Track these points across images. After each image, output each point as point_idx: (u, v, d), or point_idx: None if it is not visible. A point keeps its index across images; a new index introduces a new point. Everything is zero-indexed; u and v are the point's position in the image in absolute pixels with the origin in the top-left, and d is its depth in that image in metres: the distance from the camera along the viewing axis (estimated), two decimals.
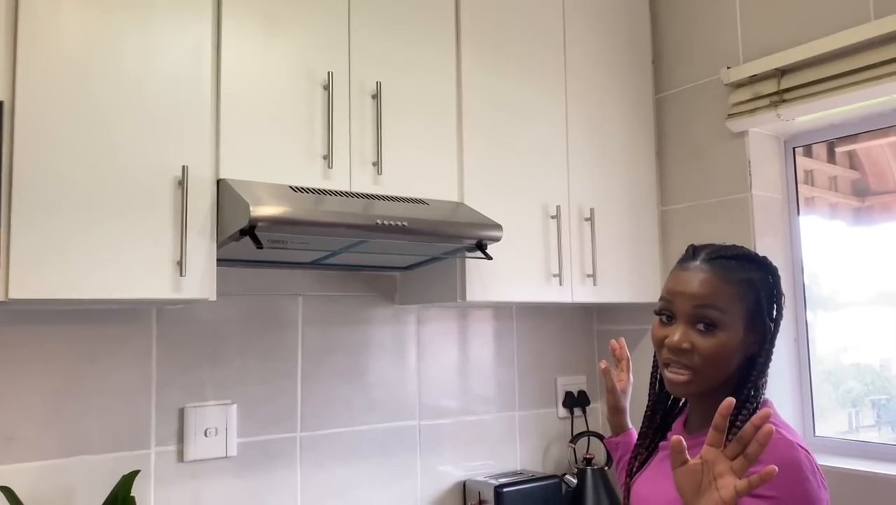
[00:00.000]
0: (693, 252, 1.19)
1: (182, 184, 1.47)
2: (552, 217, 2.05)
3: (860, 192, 2.21)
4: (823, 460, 1.95)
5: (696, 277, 1.14)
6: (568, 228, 2.08)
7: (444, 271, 1.92)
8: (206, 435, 1.76)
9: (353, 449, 1.99)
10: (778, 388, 2.08)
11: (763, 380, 1.15)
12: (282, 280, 1.93)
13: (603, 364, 1.47)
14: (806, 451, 1.07)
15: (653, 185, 2.34)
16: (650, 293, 2.29)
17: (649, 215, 2.32)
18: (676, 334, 1.13)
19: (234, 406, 1.82)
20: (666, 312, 1.17)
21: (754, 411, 1.10)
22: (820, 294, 2.19)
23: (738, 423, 1.10)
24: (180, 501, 1.73)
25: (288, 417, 1.90)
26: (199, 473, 1.76)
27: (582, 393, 2.48)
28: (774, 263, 1.21)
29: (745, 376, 1.15)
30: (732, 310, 1.13)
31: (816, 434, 2.10)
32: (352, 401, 2.01)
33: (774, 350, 1.17)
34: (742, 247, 1.21)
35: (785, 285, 2.12)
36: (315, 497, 1.91)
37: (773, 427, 0.91)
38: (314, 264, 1.89)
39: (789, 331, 2.14)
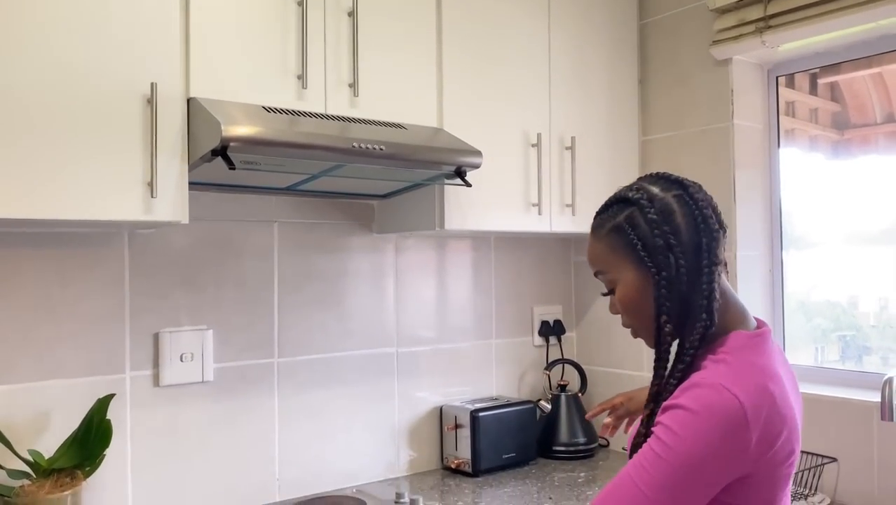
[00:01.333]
0: None
1: (151, 102, 1.42)
2: (532, 145, 2.02)
3: (840, 124, 2.20)
4: None
5: (587, 248, 1.16)
6: (548, 157, 2.06)
7: (423, 199, 1.90)
8: (181, 360, 1.75)
9: (330, 375, 2.00)
10: None
11: (693, 310, 1.05)
12: (257, 206, 1.90)
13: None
14: (737, 397, 0.96)
15: (635, 114, 2.32)
16: None
17: (630, 145, 2.30)
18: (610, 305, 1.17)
19: (210, 332, 1.81)
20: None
21: (700, 340, 1.04)
22: (793, 233, 2.21)
23: (687, 346, 1.06)
24: (157, 425, 1.73)
25: (265, 344, 1.90)
26: (175, 398, 1.76)
27: (557, 322, 2.50)
28: (676, 185, 1.11)
29: (683, 311, 1.07)
30: (613, 263, 1.11)
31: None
32: (329, 328, 2.00)
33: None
34: (616, 192, 1.15)
35: (762, 215, 2.15)
36: (293, 421, 1.93)
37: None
38: (290, 190, 1.85)
39: (764, 262, 2.16)
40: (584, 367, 2.45)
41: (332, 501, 1.85)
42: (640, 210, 1.09)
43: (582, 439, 2.27)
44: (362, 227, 2.07)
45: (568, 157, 2.10)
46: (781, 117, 2.20)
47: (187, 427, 1.77)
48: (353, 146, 1.50)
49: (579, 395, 2.37)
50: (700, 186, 1.13)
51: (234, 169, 1.41)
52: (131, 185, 1.41)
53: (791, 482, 1.06)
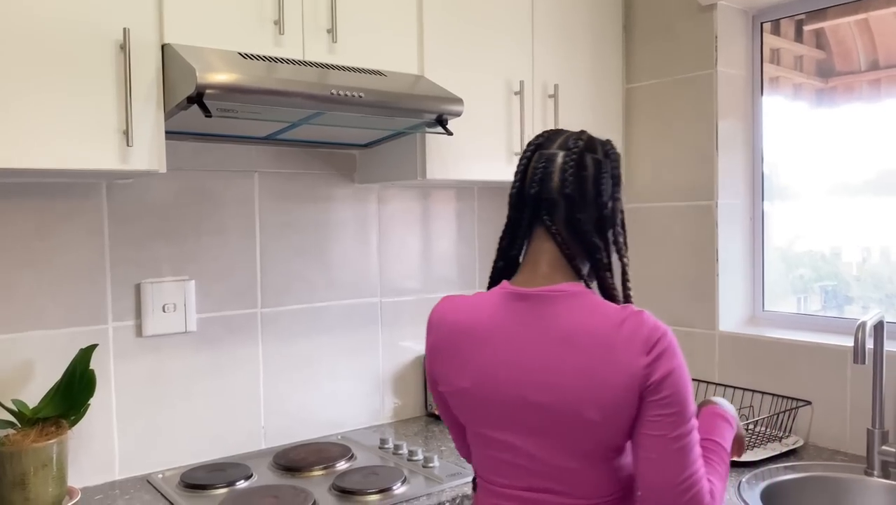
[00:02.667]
0: None
1: (124, 48, 1.39)
2: (515, 93, 2.00)
3: (825, 72, 2.19)
4: (771, 333, 2.03)
5: None
6: (531, 105, 2.04)
7: (404, 149, 1.88)
8: (164, 310, 1.75)
9: (314, 324, 2.01)
10: (732, 266, 2.13)
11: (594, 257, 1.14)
12: (236, 156, 1.88)
13: None
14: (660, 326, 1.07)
15: (619, 61, 2.29)
16: None
17: (614, 93, 2.28)
18: None
19: (192, 282, 1.81)
20: None
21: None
22: (777, 183, 2.21)
23: None
24: (141, 375, 1.74)
25: (247, 294, 1.90)
26: (159, 348, 1.77)
27: None
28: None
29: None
30: None
31: (765, 309, 2.17)
32: (312, 278, 2.01)
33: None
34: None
35: (743, 164, 2.15)
36: (277, 370, 1.95)
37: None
38: (269, 139, 1.83)
39: (745, 211, 2.17)
40: None
41: (318, 448, 1.88)
42: (523, 157, 1.20)
43: None
44: (344, 178, 2.06)
45: (551, 105, 2.08)
46: (766, 65, 2.19)
47: (172, 377, 1.79)
48: (332, 93, 1.48)
49: None
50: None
51: (210, 117, 1.39)
52: (106, 133, 1.39)
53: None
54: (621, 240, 1.15)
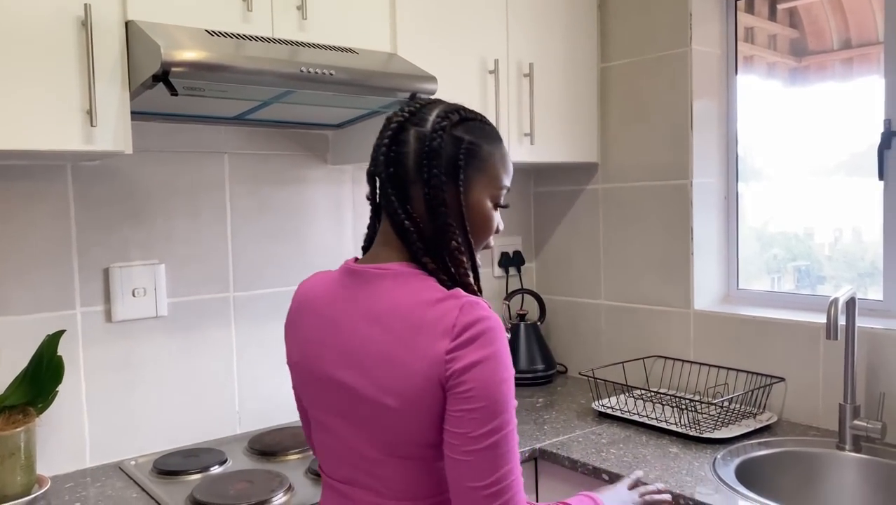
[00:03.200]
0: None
1: (85, 25, 1.34)
2: (490, 72, 1.98)
3: (798, 51, 2.19)
4: (745, 311, 2.04)
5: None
6: (506, 84, 2.02)
7: (377, 129, 1.85)
8: (134, 295, 1.72)
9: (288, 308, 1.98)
10: (706, 245, 2.14)
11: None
12: (206, 137, 1.84)
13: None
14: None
15: (594, 40, 2.28)
16: (588, 153, 2.29)
17: (588, 72, 2.27)
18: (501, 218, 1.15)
19: (162, 266, 1.77)
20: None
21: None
22: (751, 165, 2.22)
23: None
24: (111, 361, 1.71)
25: (220, 278, 1.87)
26: (129, 333, 1.73)
27: (517, 253, 2.51)
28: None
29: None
30: None
31: (739, 287, 2.19)
32: (286, 261, 1.98)
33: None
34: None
35: (718, 143, 2.15)
36: (252, 354, 1.92)
37: None
38: (239, 119, 1.80)
39: (720, 190, 2.18)
40: (543, 296, 2.47)
41: (293, 432, 1.86)
42: None
43: (541, 366, 2.31)
44: (317, 159, 2.03)
45: (526, 84, 2.07)
46: (740, 44, 2.19)
47: (143, 362, 1.76)
48: (302, 71, 1.45)
49: (538, 323, 2.40)
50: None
51: (176, 95, 1.36)
52: (69, 113, 1.35)
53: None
54: (452, 222, 1.03)
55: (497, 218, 1.11)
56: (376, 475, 1.02)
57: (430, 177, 1.02)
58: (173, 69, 1.32)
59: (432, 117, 1.05)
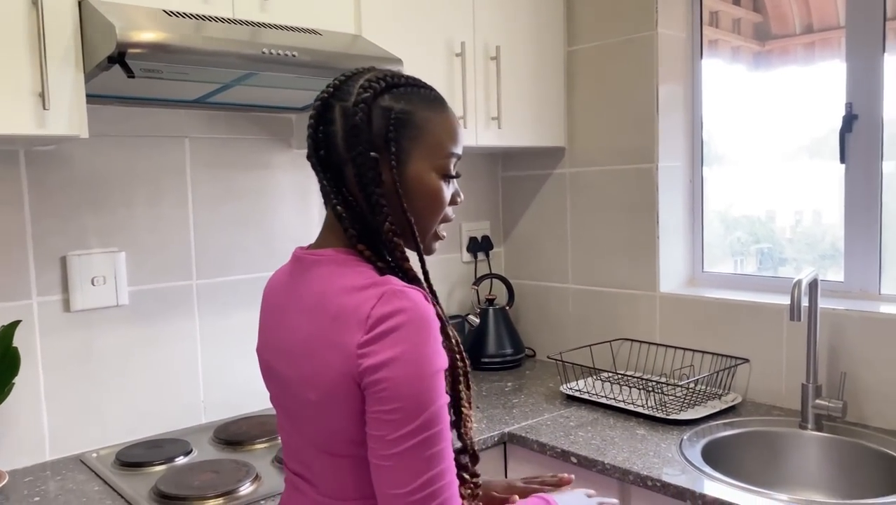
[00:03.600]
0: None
1: (36, 4, 1.29)
2: (457, 55, 1.96)
3: (761, 35, 2.21)
4: (710, 293, 2.07)
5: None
6: (473, 67, 2.01)
7: None
8: (93, 284, 1.68)
9: (254, 296, 1.95)
10: (672, 229, 2.16)
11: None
12: (166, 121, 1.79)
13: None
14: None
15: (560, 23, 2.27)
16: (555, 137, 2.28)
17: (555, 56, 2.26)
18: (460, 190, 1.05)
19: (122, 254, 1.73)
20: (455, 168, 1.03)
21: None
22: (715, 149, 2.23)
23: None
24: (71, 352, 1.67)
25: (182, 265, 1.83)
26: (89, 323, 1.69)
27: (486, 238, 2.51)
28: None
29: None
30: None
31: (704, 270, 2.21)
32: (251, 248, 1.95)
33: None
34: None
35: (683, 126, 2.16)
36: (216, 343, 1.89)
37: None
38: (200, 103, 1.75)
39: (685, 173, 2.19)
40: (511, 281, 2.47)
41: (260, 421, 1.84)
42: None
43: (509, 350, 2.31)
44: (281, 143, 1.99)
45: (493, 67, 2.05)
46: (705, 28, 2.19)
47: (104, 353, 1.71)
48: (264, 52, 1.41)
49: (507, 308, 2.40)
50: None
51: (133, 77, 1.32)
52: (20, 96, 1.30)
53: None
54: (385, 202, 0.95)
55: (449, 189, 1.01)
56: (312, 470, 0.98)
57: (356, 154, 0.94)
58: (130, 50, 1.28)
59: (356, 89, 0.96)
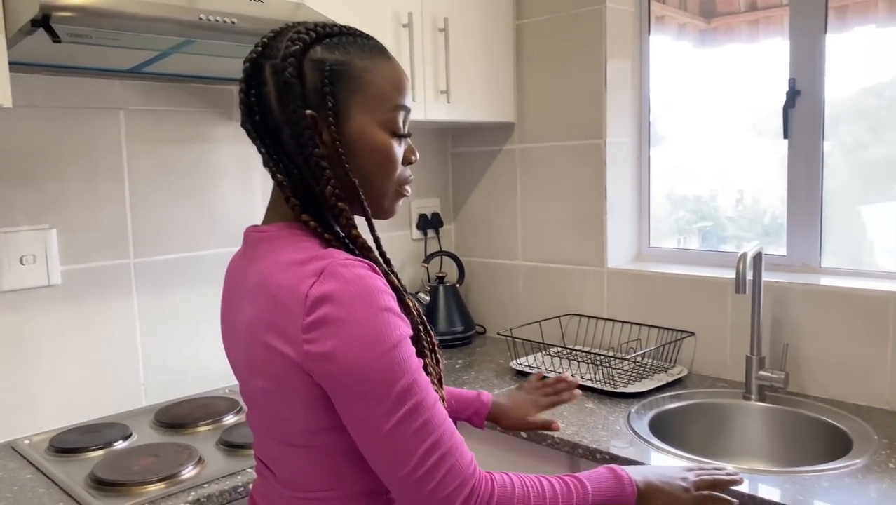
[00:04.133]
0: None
1: None
2: (403, 26, 1.91)
3: (707, 13, 2.22)
4: (656, 267, 2.08)
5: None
6: (421, 39, 1.96)
7: None
8: (22, 263, 1.59)
9: (195, 275, 1.89)
10: (620, 205, 2.16)
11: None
12: (98, 91, 1.71)
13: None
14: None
15: None
16: (504, 112, 2.26)
17: (504, 29, 2.23)
18: (414, 148, 0.97)
19: (53, 231, 1.64)
20: (405, 122, 0.95)
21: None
22: (661, 129, 2.24)
23: None
24: (0, 335, 1.59)
25: (118, 243, 1.75)
26: (18, 304, 1.61)
27: (436, 215, 2.48)
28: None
29: None
30: None
31: (651, 245, 2.23)
32: (191, 225, 1.88)
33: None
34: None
35: (631, 104, 2.17)
36: (156, 323, 1.82)
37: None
38: (135, 72, 1.67)
39: (632, 149, 2.20)
40: (461, 258, 2.45)
41: (203, 403, 1.78)
42: None
43: (459, 328, 2.30)
44: (222, 116, 1.92)
45: (441, 39, 2.01)
46: (652, 3, 2.19)
47: (36, 335, 1.63)
48: (201, 19, 1.34)
49: (457, 285, 2.39)
50: None
51: (59, 42, 1.24)
52: None
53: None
54: (326, 164, 0.87)
55: (401, 147, 0.94)
56: (272, 459, 0.94)
57: (290, 114, 0.86)
58: (55, 13, 1.20)
59: (284, 43, 0.88)
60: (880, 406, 1.66)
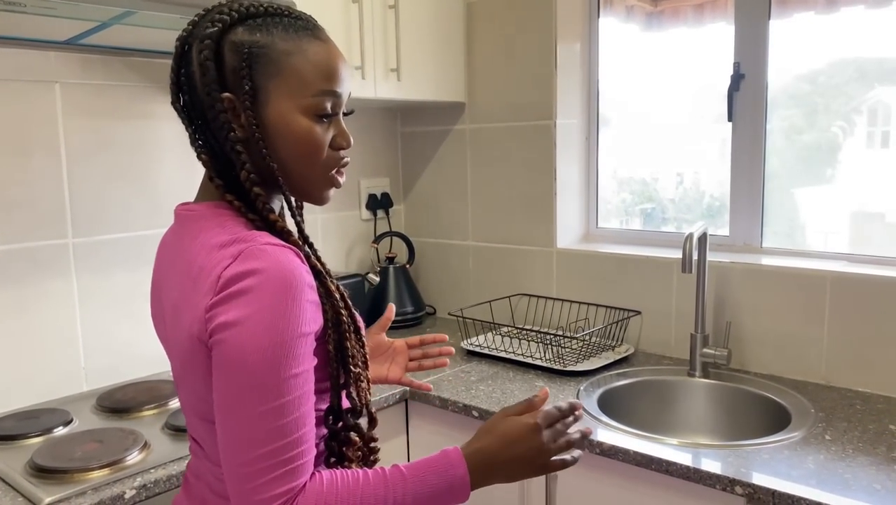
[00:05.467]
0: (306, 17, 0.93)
1: None
2: (353, 2, 1.88)
3: None
4: (604, 248, 2.11)
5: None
6: (371, 15, 1.93)
7: None
8: None
9: (138, 255, 1.83)
10: (569, 186, 2.18)
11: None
12: (32, 63, 1.63)
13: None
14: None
15: None
16: (455, 92, 2.25)
17: (455, 7, 2.21)
18: (346, 131, 0.94)
19: None
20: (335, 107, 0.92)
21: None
22: (607, 112, 2.26)
23: None
24: None
25: (55, 222, 1.68)
26: None
27: (385, 195, 2.46)
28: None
29: None
30: None
31: (598, 226, 2.26)
32: (133, 205, 1.82)
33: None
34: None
35: (580, 85, 2.18)
36: (97, 306, 1.76)
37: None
38: (72, 44, 1.60)
39: (581, 130, 2.21)
40: (411, 239, 2.44)
41: (148, 386, 1.74)
42: None
43: (410, 308, 2.30)
44: (163, 91, 1.85)
45: (392, 16, 1.98)
46: None
47: None
48: None
49: (407, 266, 2.38)
50: None
51: None
52: None
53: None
54: (241, 148, 0.87)
55: (328, 132, 0.91)
56: (199, 435, 0.94)
57: (205, 96, 0.87)
58: None
59: (205, 24, 0.88)
60: (817, 381, 1.72)
